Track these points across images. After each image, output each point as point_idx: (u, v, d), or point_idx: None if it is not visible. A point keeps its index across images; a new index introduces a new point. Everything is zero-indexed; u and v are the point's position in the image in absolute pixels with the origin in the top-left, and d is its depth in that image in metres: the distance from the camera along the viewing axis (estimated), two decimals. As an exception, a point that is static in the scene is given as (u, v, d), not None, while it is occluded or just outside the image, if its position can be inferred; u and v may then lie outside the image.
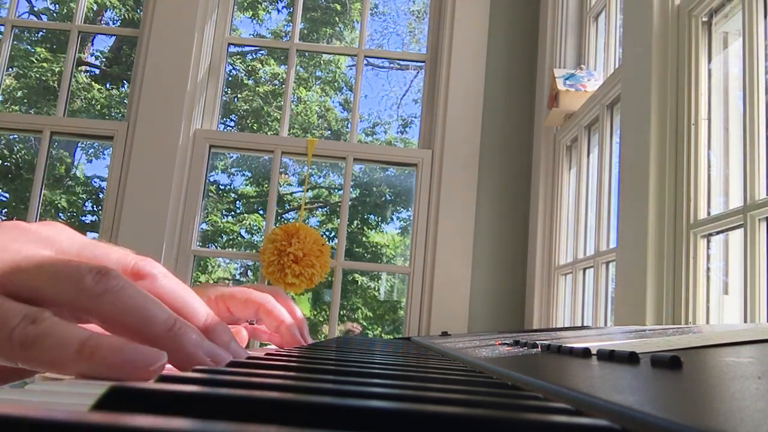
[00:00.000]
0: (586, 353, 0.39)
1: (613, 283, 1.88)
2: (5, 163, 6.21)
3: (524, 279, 2.46)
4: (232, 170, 6.57)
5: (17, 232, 0.30)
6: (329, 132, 6.64)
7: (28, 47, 6.10)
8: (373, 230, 6.59)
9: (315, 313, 5.72)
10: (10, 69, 5.51)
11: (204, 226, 5.31)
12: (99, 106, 6.32)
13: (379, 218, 6.59)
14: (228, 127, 6.30)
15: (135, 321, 0.29)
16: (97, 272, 0.29)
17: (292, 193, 6.08)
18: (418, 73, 5.88)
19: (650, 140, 1.51)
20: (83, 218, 6.45)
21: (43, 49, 6.02)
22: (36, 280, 0.28)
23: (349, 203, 2.75)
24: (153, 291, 0.32)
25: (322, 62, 6.63)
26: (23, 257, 0.29)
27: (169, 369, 0.29)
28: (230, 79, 6.33)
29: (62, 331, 0.27)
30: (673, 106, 1.52)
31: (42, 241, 0.31)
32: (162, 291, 0.32)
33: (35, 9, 6.50)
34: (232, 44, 2.98)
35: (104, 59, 6.81)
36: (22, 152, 6.14)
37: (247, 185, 6.67)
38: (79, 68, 6.21)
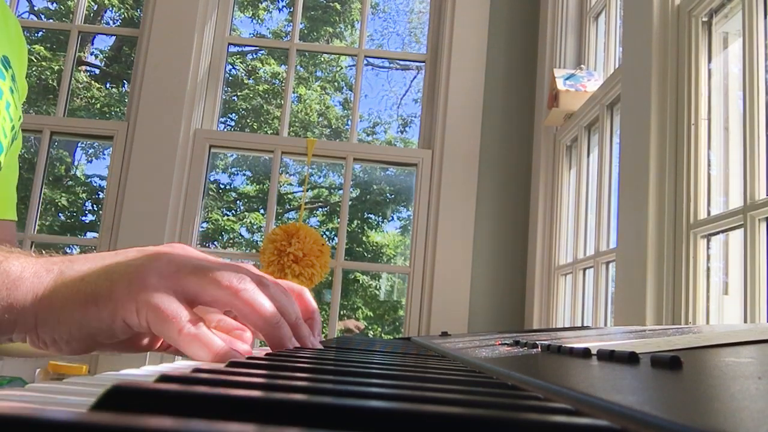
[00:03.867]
0: (586, 353, 0.39)
1: (613, 283, 1.88)
2: (5, 163, 6.19)
3: (524, 279, 2.46)
4: (233, 170, 6.57)
5: (185, 251, 0.49)
6: (329, 130, 6.64)
7: (28, 46, 6.10)
8: (374, 230, 6.60)
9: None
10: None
11: (204, 224, 5.30)
12: (99, 105, 6.32)
13: (380, 218, 6.60)
14: (228, 126, 6.30)
15: (257, 313, 0.46)
16: (239, 278, 0.47)
17: (293, 192, 6.08)
18: (418, 73, 5.87)
19: (650, 140, 1.51)
20: (83, 218, 6.45)
21: (43, 48, 6.02)
22: (200, 284, 0.45)
23: (349, 203, 2.75)
24: (267, 295, 0.48)
25: (322, 60, 6.64)
26: (191, 267, 0.46)
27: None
28: (230, 78, 6.33)
29: (211, 338, 0.44)
30: (673, 106, 1.52)
31: (201, 258, 0.48)
32: (273, 296, 0.48)
33: (35, 8, 6.50)
34: (232, 44, 2.98)
35: (104, 58, 6.81)
36: (22, 151, 6.13)
37: (247, 185, 6.67)
38: (79, 68, 6.21)
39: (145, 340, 0.54)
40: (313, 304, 0.62)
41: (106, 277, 0.44)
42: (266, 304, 0.47)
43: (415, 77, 6.26)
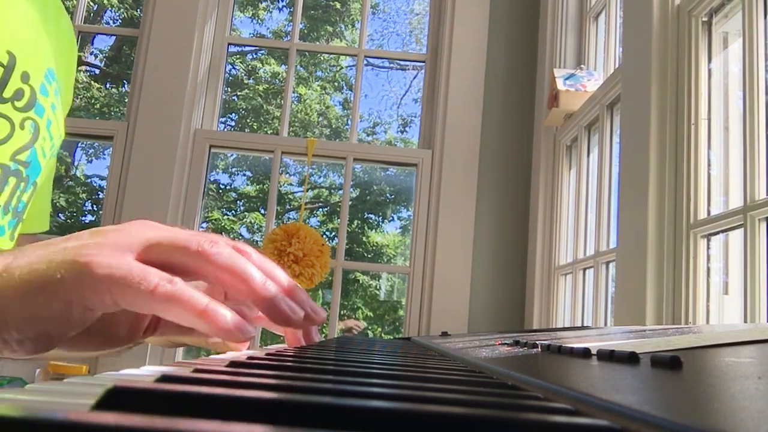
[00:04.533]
0: (586, 353, 0.39)
1: (613, 283, 1.88)
2: (5, 163, 6.20)
3: (524, 279, 2.46)
4: (233, 170, 6.57)
5: (147, 225, 0.42)
6: (329, 130, 6.64)
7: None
8: (374, 230, 6.60)
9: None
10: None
11: (204, 225, 5.30)
12: (98, 105, 6.32)
13: (380, 218, 6.60)
14: (228, 126, 6.30)
15: (239, 276, 0.40)
16: (211, 241, 0.40)
17: (293, 192, 6.08)
18: (418, 73, 5.87)
19: (650, 140, 1.51)
20: (83, 218, 6.45)
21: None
22: (168, 252, 0.39)
23: (349, 203, 2.75)
24: (249, 260, 0.41)
25: (322, 60, 6.64)
26: (157, 238, 0.40)
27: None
28: (230, 78, 6.33)
29: (192, 292, 0.38)
30: (673, 106, 1.52)
31: (164, 229, 0.41)
32: (256, 261, 0.42)
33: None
34: (232, 44, 2.98)
35: (104, 58, 6.81)
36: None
37: (247, 185, 6.67)
38: (79, 68, 6.21)
39: (122, 330, 0.48)
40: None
41: (52, 260, 0.38)
42: (249, 267, 0.41)
43: (415, 77, 6.26)
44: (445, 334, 1.34)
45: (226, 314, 0.38)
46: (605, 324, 1.89)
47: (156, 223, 0.42)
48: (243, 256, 0.41)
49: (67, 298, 0.37)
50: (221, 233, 6.15)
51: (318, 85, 6.78)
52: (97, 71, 6.69)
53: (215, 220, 6.20)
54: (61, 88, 0.69)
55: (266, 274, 0.42)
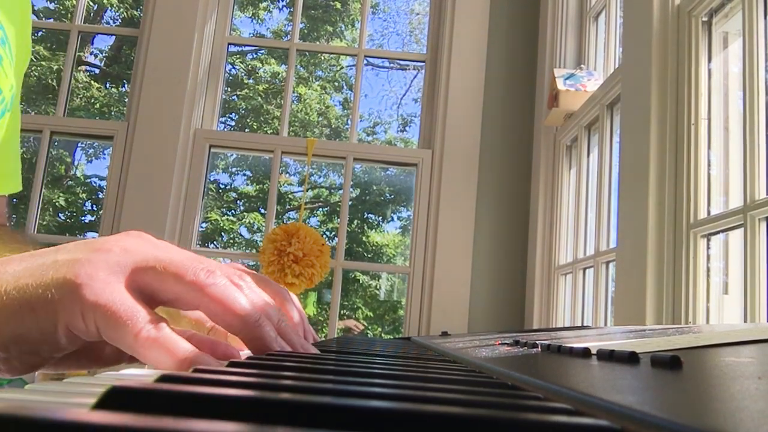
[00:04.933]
0: (586, 353, 0.39)
1: (613, 283, 1.88)
2: (5, 163, 6.19)
3: (524, 279, 2.46)
4: (233, 170, 6.57)
5: (143, 241, 0.40)
6: (329, 130, 6.64)
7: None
8: (374, 230, 6.60)
9: (315, 312, 5.72)
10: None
11: (204, 225, 5.31)
12: (98, 104, 6.32)
13: (380, 218, 6.60)
14: (228, 126, 6.30)
15: (231, 311, 0.39)
16: (207, 271, 0.39)
17: (293, 192, 6.08)
18: (418, 73, 5.87)
19: (650, 140, 1.51)
20: (83, 218, 6.45)
21: (43, 48, 6.02)
22: (161, 279, 0.38)
23: (349, 203, 2.75)
24: (243, 293, 0.40)
25: (322, 60, 6.64)
26: (152, 260, 0.38)
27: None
28: (230, 78, 6.33)
29: (176, 341, 0.36)
30: (673, 106, 1.52)
31: (161, 248, 0.40)
32: (250, 294, 0.41)
33: (35, 8, 6.50)
34: (232, 44, 2.98)
35: (104, 58, 6.81)
36: (21, 150, 6.13)
37: (247, 185, 6.67)
38: (79, 68, 6.21)
39: (107, 350, 0.46)
40: (299, 305, 0.61)
41: (42, 277, 0.36)
42: (240, 300, 0.39)
43: (415, 77, 6.26)
44: (445, 334, 1.34)
45: (206, 362, 0.36)
46: (605, 324, 1.89)
47: (152, 238, 0.41)
48: (239, 288, 0.40)
49: (54, 320, 0.36)
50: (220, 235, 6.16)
51: (318, 85, 6.78)
52: (97, 71, 6.69)
53: (215, 220, 6.20)
54: (10, 40, 0.68)
55: (259, 310, 0.40)
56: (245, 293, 0.40)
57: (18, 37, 0.71)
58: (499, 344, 0.63)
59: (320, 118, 6.67)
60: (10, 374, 0.39)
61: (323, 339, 0.87)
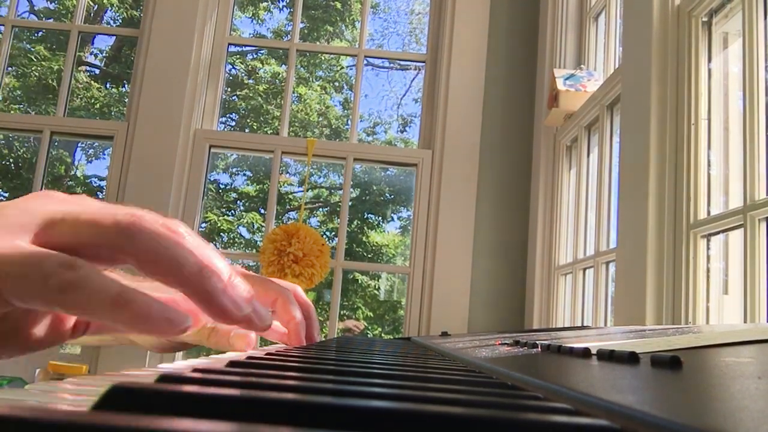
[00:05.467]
0: (586, 353, 0.39)
1: (613, 283, 1.88)
2: (4, 162, 6.22)
3: (524, 279, 2.46)
4: (233, 170, 6.57)
5: (49, 198, 0.33)
6: (329, 130, 6.64)
7: (28, 46, 6.11)
8: (373, 230, 6.60)
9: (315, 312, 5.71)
10: (10, 68, 5.51)
11: (203, 225, 5.31)
12: (98, 105, 6.32)
13: (380, 218, 6.60)
14: (228, 126, 6.30)
15: (167, 262, 0.31)
16: (132, 216, 0.31)
17: (293, 192, 6.08)
18: (418, 73, 5.88)
19: (650, 140, 1.51)
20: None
21: (43, 48, 6.02)
22: (74, 230, 0.31)
23: (349, 203, 2.75)
24: (181, 244, 0.32)
25: (322, 59, 6.64)
26: (61, 213, 0.31)
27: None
28: (230, 78, 6.33)
29: (100, 279, 0.29)
30: (673, 106, 1.52)
31: (72, 202, 0.33)
32: (189, 245, 0.32)
33: (35, 8, 6.50)
34: (232, 44, 2.98)
35: (104, 58, 6.81)
36: (21, 151, 6.15)
37: (247, 185, 6.67)
38: (79, 68, 6.21)
39: (42, 328, 0.36)
40: (308, 300, 0.61)
41: None
42: (180, 251, 0.31)
43: (415, 77, 6.26)
44: (445, 334, 1.34)
45: (147, 302, 0.29)
46: (605, 324, 1.89)
47: (63, 194, 0.34)
48: (174, 236, 0.32)
49: None
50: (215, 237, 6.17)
51: (318, 85, 6.78)
52: (97, 71, 6.69)
53: (212, 221, 6.20)
54: None
55: (202, 262, 0.32)
56: (184, 242, 0.32)
57: None
58: (499, 344, 0.63)
59: (320, 119, 6.67)
60: None
61: (323, 339, 0.87)
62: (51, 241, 0.30)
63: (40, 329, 0.36)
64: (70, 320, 0.39)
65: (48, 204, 0.32)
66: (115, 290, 0.29)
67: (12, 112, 4.94)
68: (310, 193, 6.21)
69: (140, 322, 0.29)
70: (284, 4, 6.66)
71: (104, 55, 6.81)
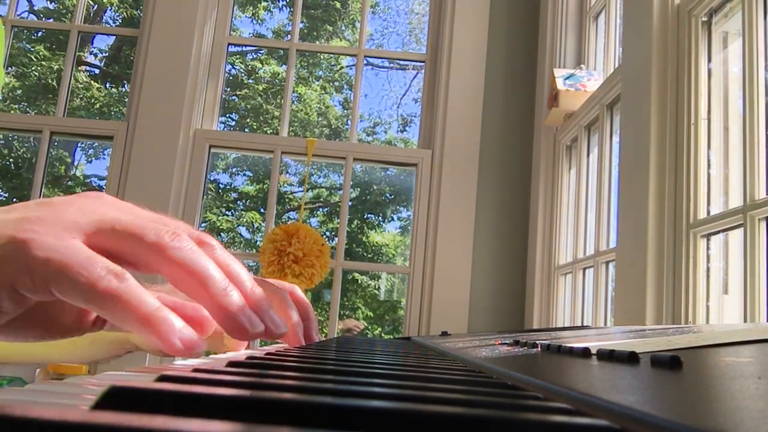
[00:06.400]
0: (586, 353, 0.39)
1: (613, 282, 1.88)
2: (4, 162, 6.21)
3: (524, 279, 2.46)
4: (233, 170, 6.57)
5: (101, 200, 0.36)
6: (329, 130, 6.64)
7: (28, 46, 6.11)
8: (373, 230, 6.60)
9: (315, 312, 5.71)
10: (10, 68, 5.51)
11: (203, 225, 5.31)
12: (98, 104, 6.32)
13: (379, 218, 6.60)
14: (228, 126, 6.30)
15: (195, 281, 0.35)
16: (172, 233, 0.35)
17: (293, 192, 6.08)
18: (418, 73, 5.87)
19: (650, 140, 1.51)
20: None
21: (43, 48, 6.02)
22: (120, 239, 0.34)
23: (349, 203, 2.75)
24: (212, 257, 0.36)
25: (322, 59, 6.64)
26: (109, 218, 0.34)
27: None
28: (230, 78, 6.33)
29: (139, 295, 0.32)
30: (673, 106, 1.52)
31: (122, 209, 0.36)
32: (219, 259, 0.37)
33: (35, 8, 6.50)
34: (232, 44, 2.98)
35: (104, 58, 6.81)
36: (21, 150, 6.15)
37: (247, 185, 6.67)
38: (79, 68, 6.21)
39: (68, 319, 0.41)
40: (306, 300, 0.61)
41: None
42: (206, 264, 0.35)
43: (415, 77, 6.26)
44: (445, 334, 1.34)
45: (176, 326, 0.33)
46: (605, 324, 1.89)
47: (114, 199, 0.37)
48: (206, 253, 0.36)
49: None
50: (214, 234, 6.17)
51: (318, 85, 6.78)
52: (97, 71, 6.69)
53: (213, 220, 6.20)
54: None
55: (229, 277, 0.36)
56: (215, 256, 0.36)
57: None
58: (499, 344, 0.63)
59: (320, 118, 6.67)
60: None
61: (323, 339, 0.87)
62: (98, 244, 0.33)
63: (66, 318, 0.41)
64: (93, 314, 0.42)
65: (100, 206, 0.35)
66: (148, 309, 0.32)
67: (12, 111, 4.94)
68: (310, 193, 6.21)
69: (160, 343, 0.32)
70: (284, 3, 6.66)
71: (104, 54, 6.81)
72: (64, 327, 0.41)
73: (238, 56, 6.35)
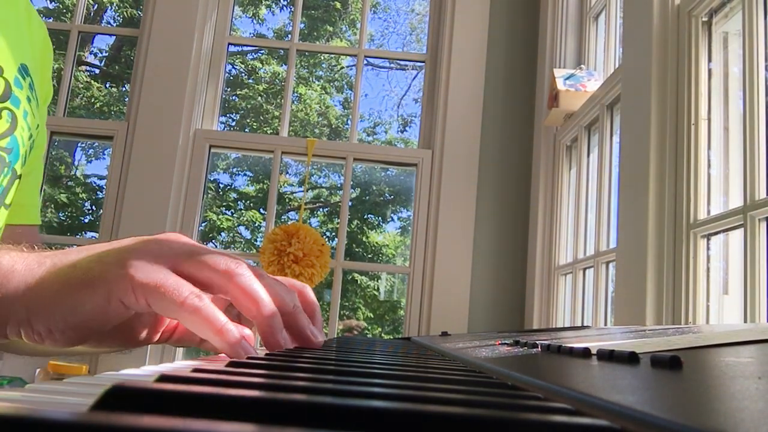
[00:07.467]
0: (586, 353, 0.39)
1: (613, 283, 1.88)
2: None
3: (524, 279, 2.46)
4: (233, 170, 6.57)
5: (180, 239, 0.48)
6: (329, 130, 6.64)
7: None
8: (373, 230, 6.60)
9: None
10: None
11: (203, 224, 5.31)
12: (98, 104, 6.32)
13: (380, 218, 6.60)
14: (228, 126, 6.30)
15: (253, 300, 0.46)
16: (236, 263, 0.46)
17: (293, 192, 6.08)
18: (418, 73, 5.87)
19: (650, 140, 1.51)
20: (83, 218, 6.45)
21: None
22: (197, 269, 0.45)
23: (349, 203, 2.75)
24: (263, 284, 0.47)
25: (322, 59, 6.64)
26: (188, 253, 0.46)
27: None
28: (230, 78, 6.33)
29: (214, 310, 0.44)
30: (673, 106, 1.52)
31: (198, 246, 0.47)
32: (269, 285, 0.48)
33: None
34: (232, 44, 2.98)
35: (104, 58, 6.81)
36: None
37: (247, 185, 6.67)
38: (79, 67, 6.21)
39: (143, 333, 0.54)
40: (315, 300, 0.62)
41: (98, 260, 0.44)
42: (261, 292, 0.46)
43: (415, 77, 6.26)
44: (445, 334, 1.34)
45: (236, 335, 0.44)
46: (605, 324, 1.89)
47: (188, 238, 0.49)
48: (260, 281, 0.47)
49: (108, 295, 0.43)
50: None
51: (318, 85, 6.78)
52: (97, 71, 6.69)
53: (212, 220, 6.20)
54: (36, 82, 0.73)
55: (275, 299, 0.47)
56: (268, 284, 0.48)
57: (42, 80, 0.79)
58: (499, 344, 0.63)
59: (320, 118, 6.67)
60: (64, 344, 0.45)
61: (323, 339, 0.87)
62: (182, 272, 0.45)
63: (143, 331, 0.54)
64: (161, 328, 0.56)
65: (184, 246, 0.47)
66: (221, 323, 0.43)
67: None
68: (310, 193, 6.20)
69: (230, 348, 0.43)
70: (284, 3, 6.66)
71: (104, 54, 6.81)
72: (138, 340, 0.54)
73: (238, 56, 6.35)
